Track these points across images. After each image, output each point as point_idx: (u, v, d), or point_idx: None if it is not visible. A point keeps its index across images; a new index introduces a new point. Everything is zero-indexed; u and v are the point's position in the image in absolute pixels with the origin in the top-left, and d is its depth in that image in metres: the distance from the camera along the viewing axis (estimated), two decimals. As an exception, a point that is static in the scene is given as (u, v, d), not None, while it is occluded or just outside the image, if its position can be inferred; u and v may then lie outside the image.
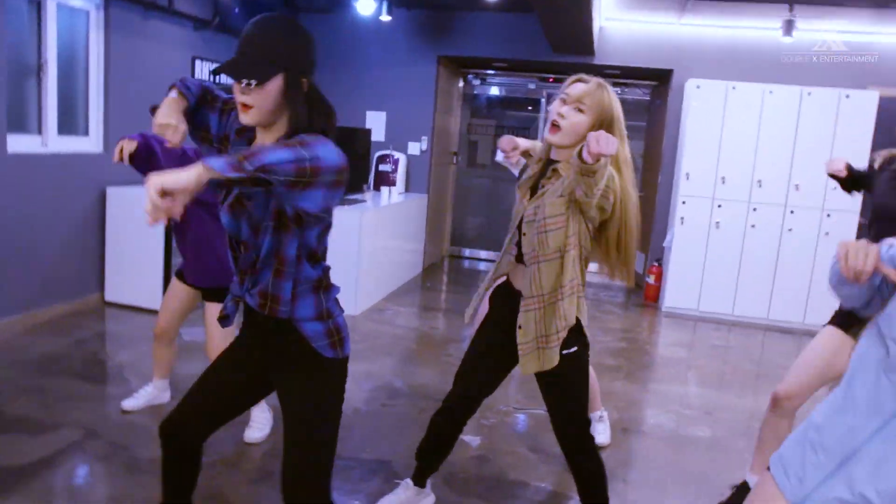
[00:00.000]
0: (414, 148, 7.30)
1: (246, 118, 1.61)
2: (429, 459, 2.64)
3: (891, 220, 2.49)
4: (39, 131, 4.57)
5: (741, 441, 3.63)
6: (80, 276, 4.90)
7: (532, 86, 8.06)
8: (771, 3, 5.51)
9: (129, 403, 3.36)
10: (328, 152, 1.52)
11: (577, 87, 2.20)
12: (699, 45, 6.63)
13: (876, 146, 5.74)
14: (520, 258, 2.31)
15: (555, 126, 2.20)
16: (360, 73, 7.17)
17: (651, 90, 7.92)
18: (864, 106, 5.75)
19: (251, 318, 1.83)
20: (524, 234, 2.26)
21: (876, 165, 2.68)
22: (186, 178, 1.26)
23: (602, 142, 1.85)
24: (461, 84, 8.29)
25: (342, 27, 7.13)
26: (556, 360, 2.22)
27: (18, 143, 4.36)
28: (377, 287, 5.82)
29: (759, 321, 6.11)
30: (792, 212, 5.96)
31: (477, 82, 8.30)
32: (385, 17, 6.42)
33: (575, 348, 2.26)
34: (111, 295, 5.04)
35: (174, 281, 3.26)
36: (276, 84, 1.60)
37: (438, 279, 7.23)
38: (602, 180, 1.99)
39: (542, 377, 2.34)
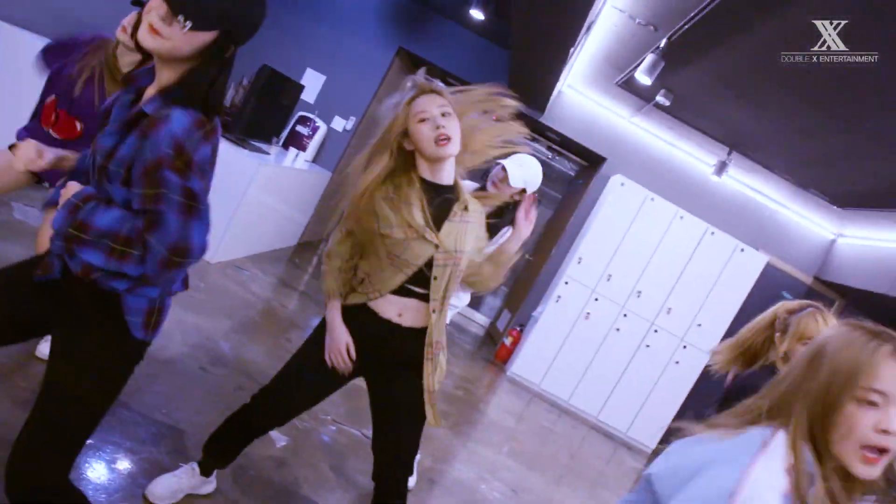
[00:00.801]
0: (338, 123, 7.01)
1: (149, 41, 1.35)
2: (217, 457, 2.35)
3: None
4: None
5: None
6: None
7: (474, 115, 7.97)
8: (715, 141, 5.74)
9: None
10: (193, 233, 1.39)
11: (430, 98, 2.02)
12: (638, 147, 6.81)
13: (746, 305, 6.05)
14: (406, 292, 2.06)
15: (446, 139, 1.94)
16: (317, 28, 6.82)
17: (579, 168, 8.06)
18: (752, 264, 6.08)
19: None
20: (435, 279, 2.02)
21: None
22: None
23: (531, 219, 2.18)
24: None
25: (318, -25, 6.80)
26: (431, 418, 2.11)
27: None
28: (244, 243, 5.46)
29: (588, 418, 6.25)
30: (656, 331, 6.17)
31: (424, 88, 8.12)
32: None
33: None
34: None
35: (5, 151, 2.79)
36: (205, 37, 1.36)
37: (308, 259, 6.92)
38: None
39: (380, 409, 2.17)
